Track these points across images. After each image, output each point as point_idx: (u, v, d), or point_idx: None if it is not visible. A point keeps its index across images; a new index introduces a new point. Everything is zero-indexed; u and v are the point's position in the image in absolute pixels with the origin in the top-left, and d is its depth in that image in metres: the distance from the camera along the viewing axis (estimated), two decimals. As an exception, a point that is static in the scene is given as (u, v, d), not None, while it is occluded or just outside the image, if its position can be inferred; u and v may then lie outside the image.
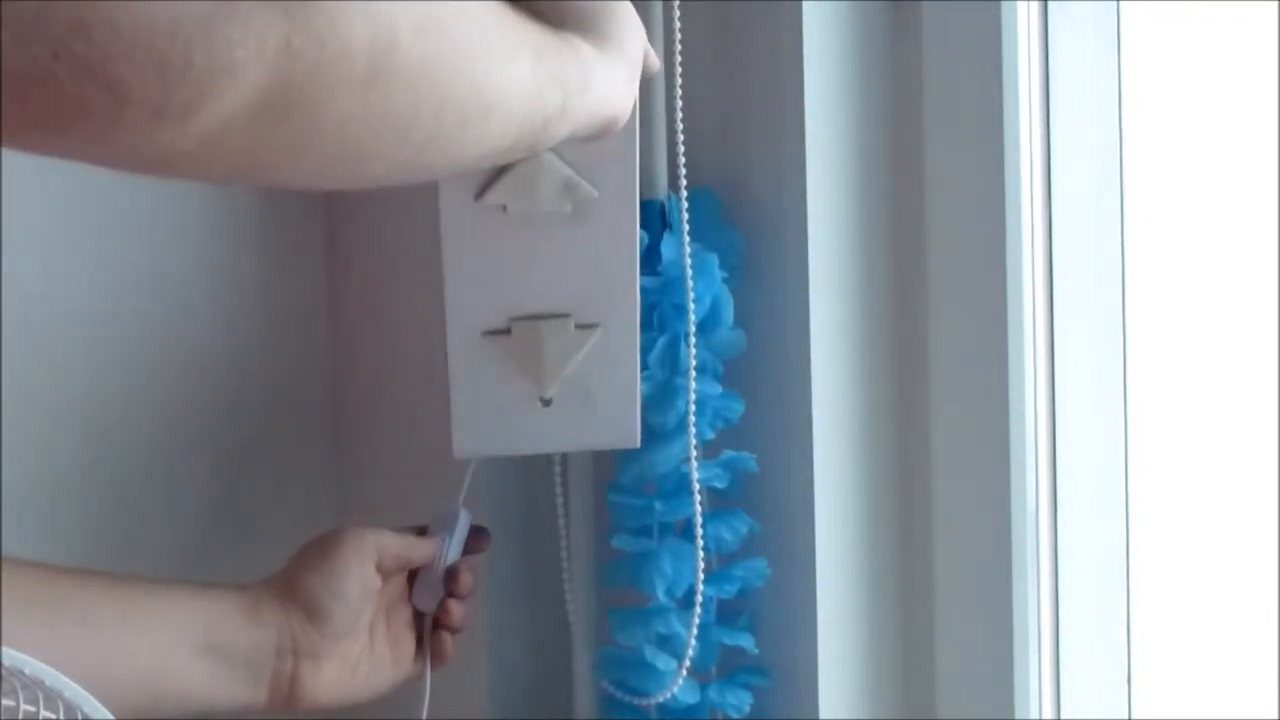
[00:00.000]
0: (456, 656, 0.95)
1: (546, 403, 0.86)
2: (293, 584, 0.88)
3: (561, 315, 0.84)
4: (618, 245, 0.82)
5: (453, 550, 0.93)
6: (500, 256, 0.82)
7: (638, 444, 0.89)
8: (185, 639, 0.83)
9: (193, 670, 0.84)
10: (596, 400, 0.86)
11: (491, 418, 0.86)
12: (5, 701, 0.78)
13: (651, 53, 0.73)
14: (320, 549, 0.89)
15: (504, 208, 0.78)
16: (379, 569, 0.89)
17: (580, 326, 0.83)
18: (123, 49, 0.43)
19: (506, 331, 0.84)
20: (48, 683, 0.80)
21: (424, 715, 0.92)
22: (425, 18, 0.51)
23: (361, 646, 0.89)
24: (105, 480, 1.08)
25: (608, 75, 0.65)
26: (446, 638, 0.92)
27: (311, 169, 0.53)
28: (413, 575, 0.93)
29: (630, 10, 0.69)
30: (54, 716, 0.79)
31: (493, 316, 0.83)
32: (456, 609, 0.92)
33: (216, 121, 0.46)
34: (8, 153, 0.46)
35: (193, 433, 1.11)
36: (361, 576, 0.88)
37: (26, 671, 0.79)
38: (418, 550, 0.92)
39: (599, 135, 0.67)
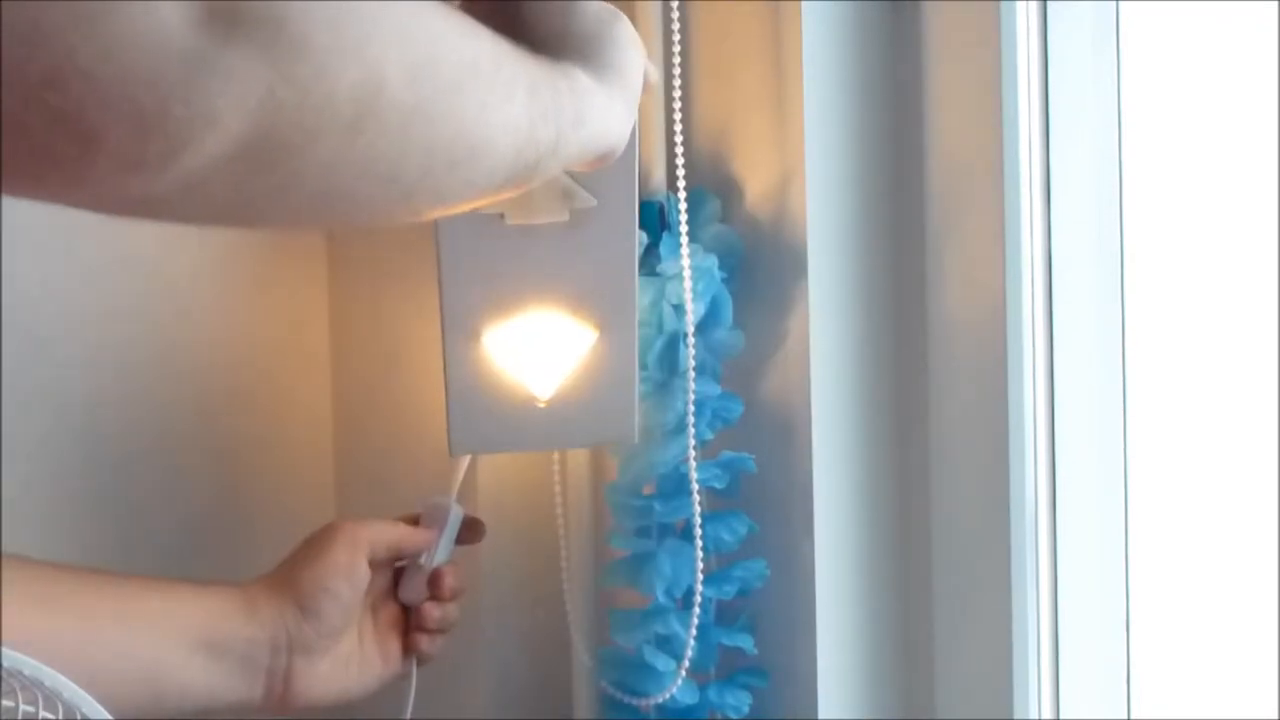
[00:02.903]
0: (456, 657, 0.95)
1: (544, 404, 0.86)
2: (287, 581, 0.88)
3: (560, 318, 0.83)
4: (616, 251, 0.82)
5: (443, 548, 0.93)
6: (497, 261, 0.81)
7: (635, 440, 0.89)
8: (183, 636, 0.84)
9: (190, 667, 0.84)
10: (595, 401, 0.86)
11: (489, 417, 0.86)
12: (5, 702, 0.78)
13: (651, 68, 0.72)
14: (313, 546, 0.89)
15: (502, 216, 0.78)
16: (370, 561, 0.89)
17: (578, 329, 0.83)
18: (98, 100, 0.42)
19: (504, 334, 0.84)
20: (47, 683, 0.80)
21: (408, 714, 0.93)
22: (416, 61, 0.50)
23: (352, 643, 0.90)
24: (105, 480, 1.08)
25: (605, 107, 0.63)
26: (422, 638, 0.92)
27: (295, 213, 0.52)
28: (399, 570, 0.93)
29: (630, 33, 0.67)
30: (53, 717, 0.80)
31: (490, 319, 0.83)
32: (433, 611, 0.92)
33: (195, 170, 0.45)
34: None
35: (193, 433, 1.11)
36: (352, 572, 0.88)
37: (25, 672, 0.79)
38: (411, 541, 0.91)
39: (595, 166, 0.66)
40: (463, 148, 0.54)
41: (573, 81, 0.62)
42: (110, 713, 0.74)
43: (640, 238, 0.93)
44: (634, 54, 0.67)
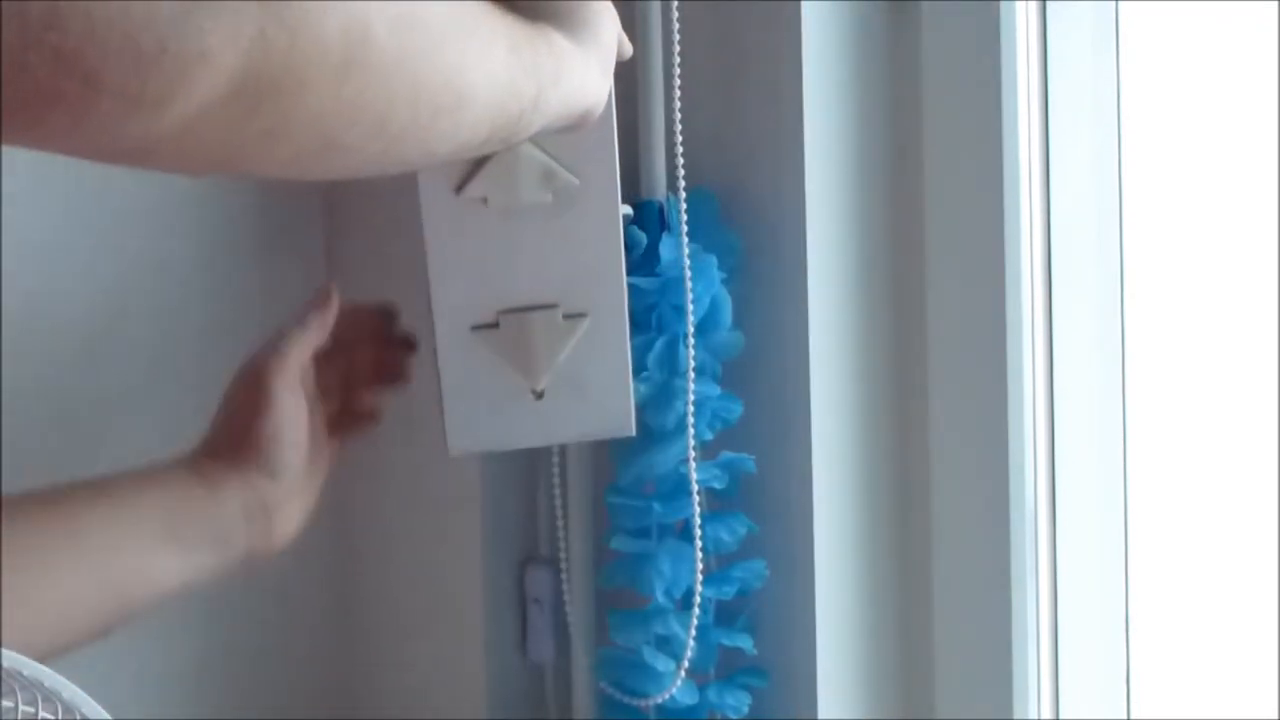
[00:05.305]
0: (455, 656, 0.95)
1: (539, 395, 0.84)
2: (238, 446, 0.84)
3: (549, 306, 0.83)
4: (601, 232, 0.81)
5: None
6: (484, 250, 0.81)
7: (633, 432, 0.88)
8: (143, 537, 0.79)
9: (159, 565, 0.79)
10: (589, 389, 0.85)
11: (485, 413, 0.86)
12: (5, 702, 0.78)
13: (625, 38, 0.73)
14: (247, 402, 0.84)
15: (484, 200, 0.78)
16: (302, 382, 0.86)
17: (568, 316, 0.83)
18: (97, 38, 0.43)
19: (495, 325, 0.83)
20: (46, 683, 0.80)
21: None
22: (400, 10, 0.52)
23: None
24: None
25: (582, 66, 0.65)
26: (366, 395, 0.89)
27: (285, 160, 0.53)
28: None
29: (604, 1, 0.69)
30: (53, 717, 0.80)
31: (480, 311, 0.83)
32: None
33: (190, 111, 0.46)
34: (8, 152, 0.46)
35: (192, 433, 1.11)
36: (299, 409, 0.85)
37: (25, 673, 0.79)
38: (314, 335, 0.88)
39: (574, 126, 0.68)
40: (448, 97, 0.55)
41: (550, 42, 0.63)
42: (79, 637, 0.72)
43: (640, 238, 0.93)
44: (609, 18, 0.68)
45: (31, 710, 0.79)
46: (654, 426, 0.94)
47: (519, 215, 0.79)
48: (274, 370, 0.85)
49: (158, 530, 0.79)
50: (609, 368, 0.84)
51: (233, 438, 0.84)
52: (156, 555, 0.79)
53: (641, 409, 0.93)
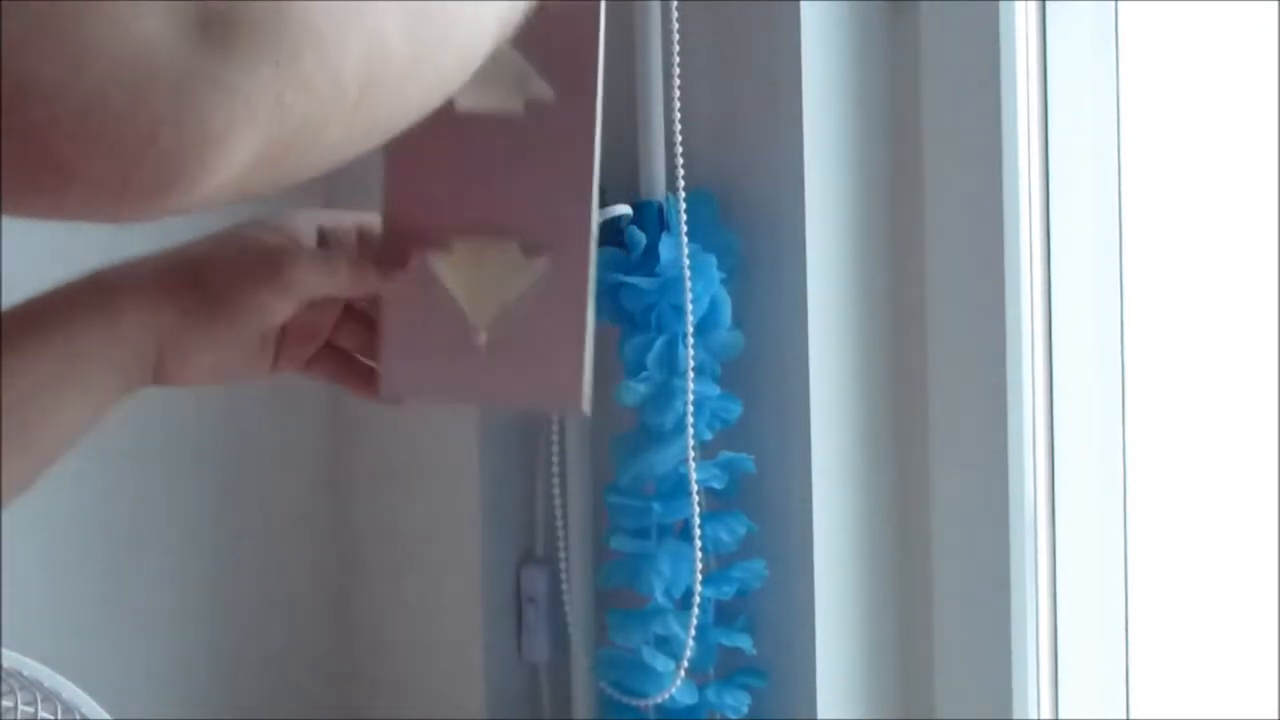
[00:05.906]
0: (455, 656, 0.95)
1: (482, 340, 0.74)
2: (197, 287, 0.70)
3: (506, 231, 0.72)
4: (572, 158, 0.71)
5: None
6: (443, 159, 0.72)
7: (584, 411, 0.75)
8: (44, 386, 0.68)
9: (66, 409, 0.70)
10: (538, 351, 0.74)
11: (425, 355, 0.76)
12: (4, 702, 0.78)
13: None
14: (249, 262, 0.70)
15: (451, 102, 0.70)
16: None
17: (526, 248, 0.72)
18: (66, 127, 0.38)
19: (446, 248, 0.72)
20: (46, 683, 0.80)
21: None
22: (411, 6, 0.47)
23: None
24: (104, 478, 1.08)
25: None
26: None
27: (290, 183, 0.50)
28: None
29: None
30: (52, 717, 0.80)
31: (433, 237, 0.73)
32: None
33: (200, 195, 0.42)
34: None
35: (192, 432, 1.11)
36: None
37: (25, 673, 0.79)
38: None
39: None
40: (456, 79, 0.51)
41: None
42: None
43: (640, 238, 0.93)
44: None
45: (31, 710, 0.79)
46: (654, 426, 0.94)
47: (485, 126, 0.72)
48: (305, 216, 0.74)
49: (54, 375, 0.68)
50: (563, 328, 0.73)
51: (196, 276, 0.70)
52: (59, 401, 0.68)
53: (641, 409, 0.93)
